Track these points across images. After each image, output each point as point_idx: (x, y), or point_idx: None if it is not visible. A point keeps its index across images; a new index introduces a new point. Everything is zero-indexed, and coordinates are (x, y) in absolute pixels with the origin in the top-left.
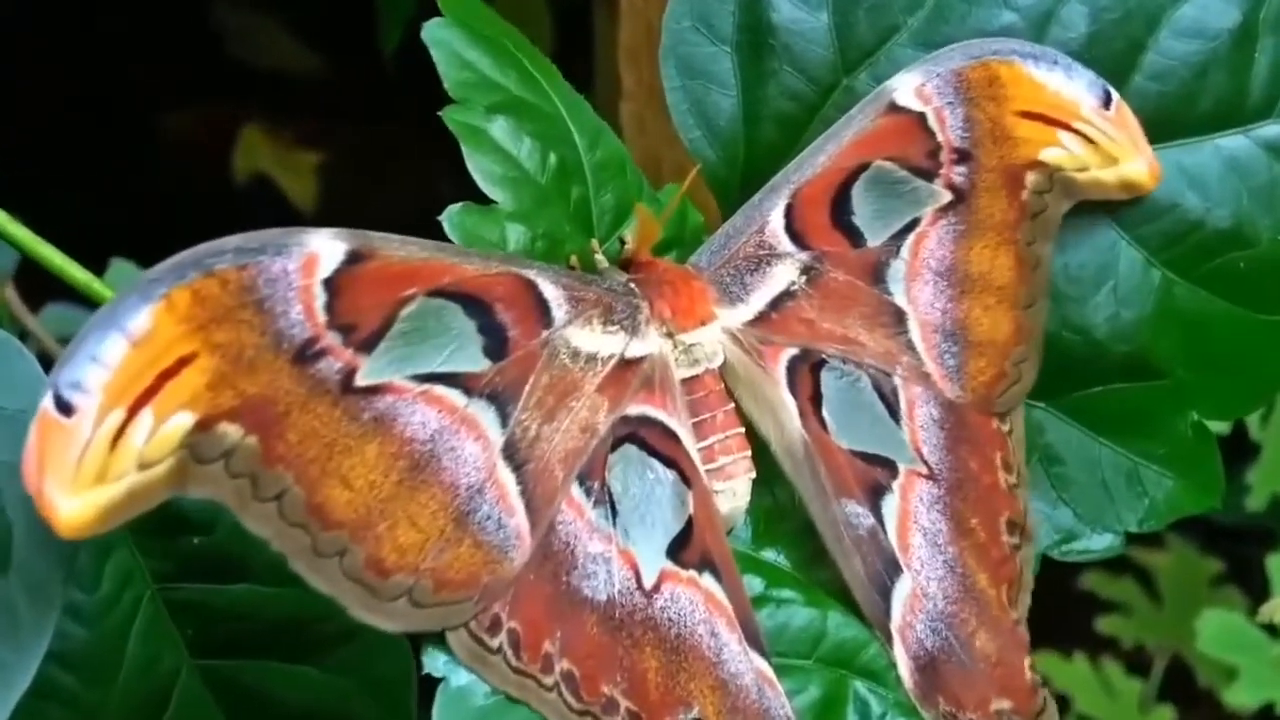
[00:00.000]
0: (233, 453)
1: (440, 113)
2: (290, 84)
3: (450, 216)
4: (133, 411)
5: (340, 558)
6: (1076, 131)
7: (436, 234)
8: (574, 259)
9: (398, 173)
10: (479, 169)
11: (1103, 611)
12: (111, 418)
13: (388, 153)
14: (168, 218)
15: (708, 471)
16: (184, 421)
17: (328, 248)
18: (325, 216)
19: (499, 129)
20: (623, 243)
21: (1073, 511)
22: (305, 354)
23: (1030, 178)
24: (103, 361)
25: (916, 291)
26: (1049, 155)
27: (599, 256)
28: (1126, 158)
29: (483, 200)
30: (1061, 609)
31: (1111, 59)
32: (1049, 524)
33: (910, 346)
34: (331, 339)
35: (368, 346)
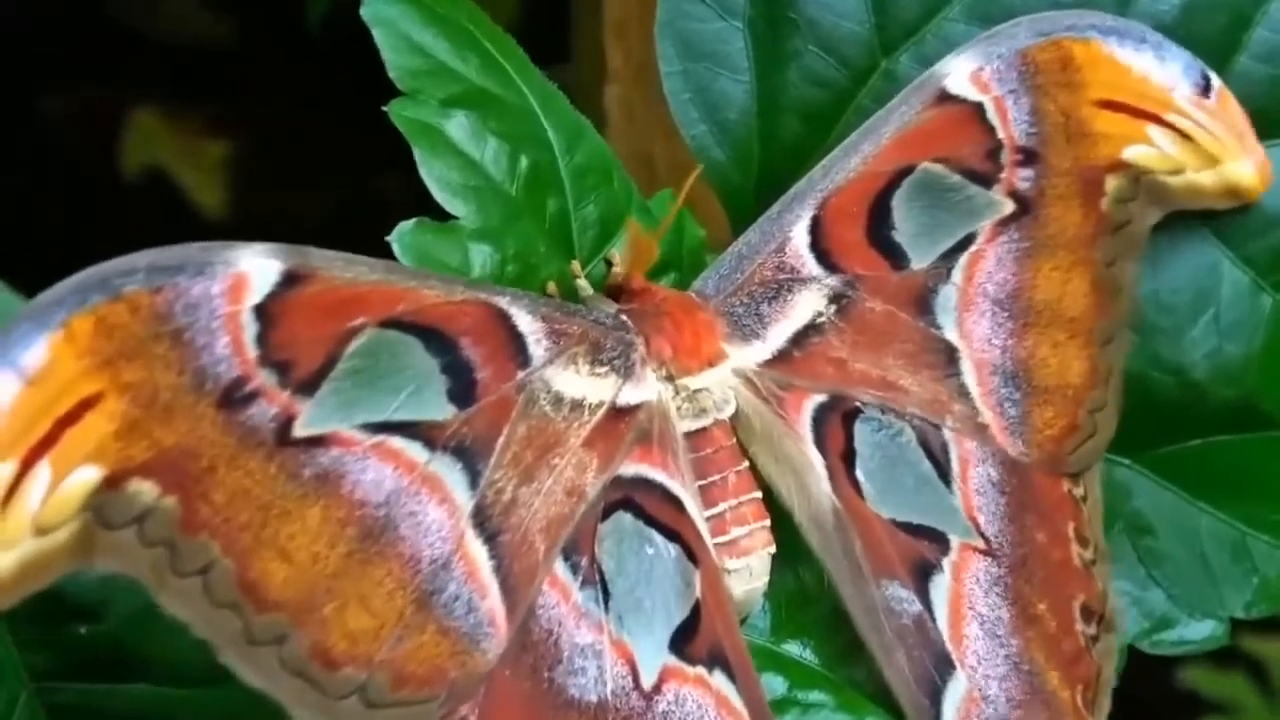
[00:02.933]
0: (147, 517)
1: (386, 108)
2: (193, 59)
3: (401, 236)
4: (26, 465)
5: (278, 646)
6: (1168, 125)
7: (374, 245)
8: (551, 286)
9: (324, 168)
10: (434, 177)
11: (1207, 713)
12: (0, 473)
13: (312, 143)
14: (41, 222)
15: (718, 546)
16: (88, 478)
17: (259, 267)
18: (234, 220)
19: (458, 128)
20: (610, 265)
21: (1166, 593)
22: (233, 397)
23: (1111, 183)
24: None
25: (971, 324)
26: (1134, 154)
27: (581, 282)
28: (1229, 157)
29: (439, 214)
30: (1154, 712)
31: (1212, 35)
32: (1137, 609)
33: (963, 392)
34: (264, 379)
35: (308, 388)
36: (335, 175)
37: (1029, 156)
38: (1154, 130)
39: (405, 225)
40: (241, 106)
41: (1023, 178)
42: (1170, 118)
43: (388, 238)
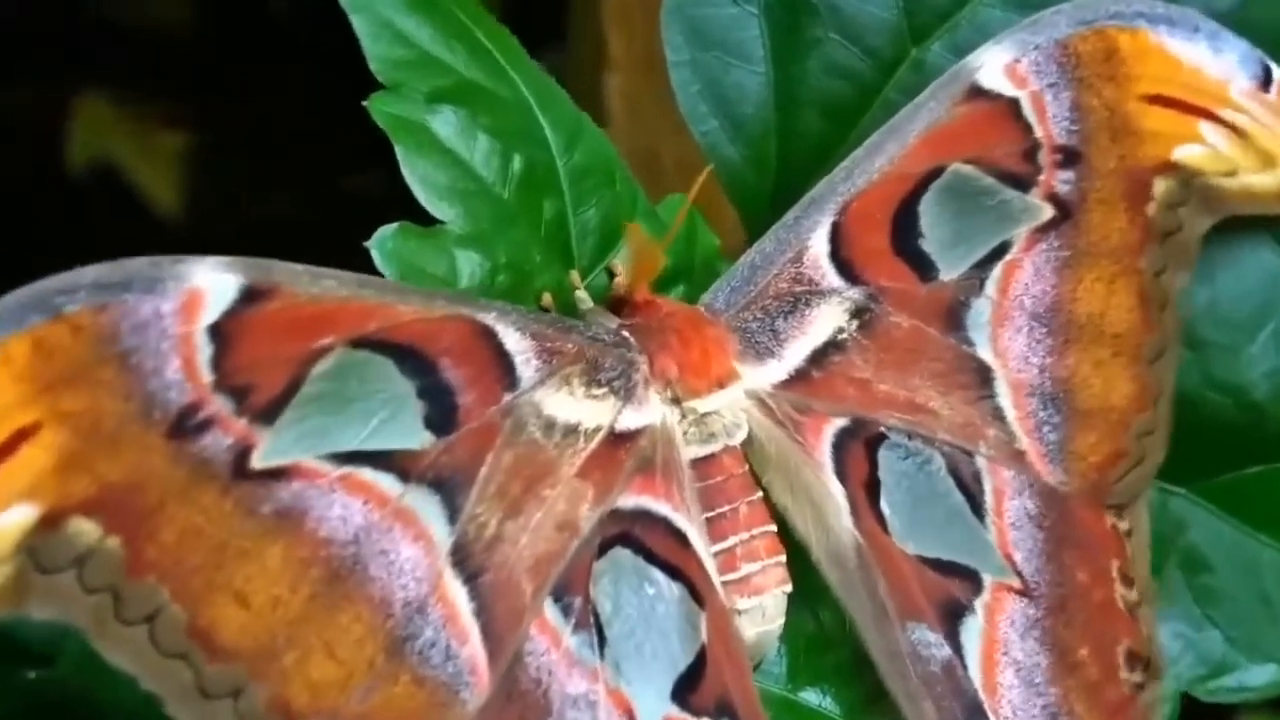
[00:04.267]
0: (88, 559)
1: (366, 102)
2: (148, 43)
3: (381, 243)
4: None
5: (234, 700)
6: (1223, 121)
7: (349, 252)
8: (547, 298)
9: (293, 165)
10: (419, 178)
11: None
12: None
13: (279, 138)
14: None
15: (727, 584)
16: (22, 517)
17: (215, 282)
18: (191, 221)
19: (445, 124)
20: (612, 275)
21: (1223, 635)
22: (185, 426)
23: (1159, 185)
24: None
25: (1006, 341)
26: (1185, 154)
27: (581, 294)
28: None
29: (423, 218)
30: None
31: (1273, 23)
32: (1192, 653)
33: (998, 415)
34: (219, 405)
35: (268, 416)
36: (305, 173)
37: (1069, 157)
38: (1207, 127)
39: (386, 230)
40: (201, 96)
41: (1062, 180)
42: (1225, 114)
43: (366, 244)
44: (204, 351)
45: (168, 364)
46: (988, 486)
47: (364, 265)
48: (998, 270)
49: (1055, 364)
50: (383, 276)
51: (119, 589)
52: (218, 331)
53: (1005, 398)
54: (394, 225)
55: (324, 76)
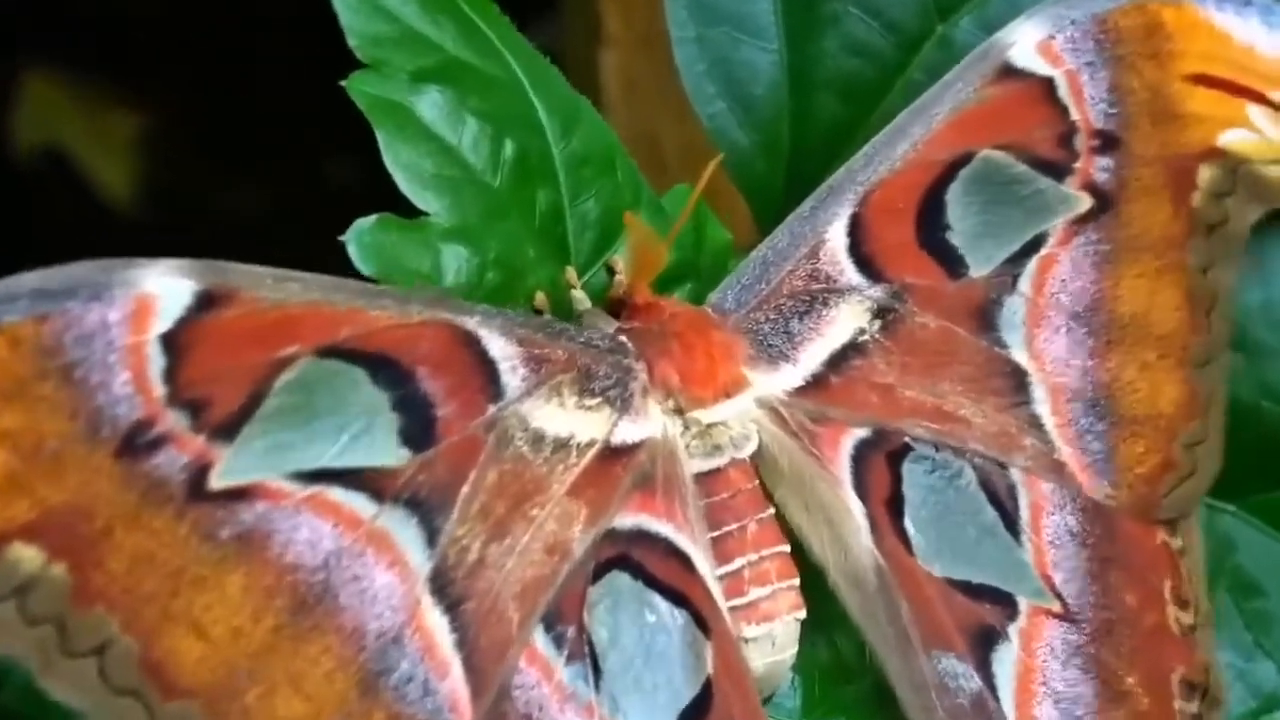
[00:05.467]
0: (30, 588)
1: (345, 82)
2: (101, 17)
3: (359, 236)
4: None
5: None
6: (1274, 105)
7: (325, 248)
8: (540, 297)
9: (260, 150)
10: (402, 165)
11: None
12: None
13: (245, 120)
14: None
15: (734, 610)
16: None
17: (167, 288)
18: (146, 212)
19: (430, 106)
20: (612, 273)
21: (1276, 665)
22: (135, 444)
23: (1204, 174)
24: None
25: (1043, 342)
26: (1231, 140)
27: (577, 294)
28: None
29: (405, 209)
30: None
31: None
32: (1242, 684)
33: (1035, 423)
34: (173, 421)
35: (227, 432)
36: (275, 160)
37: (1108, 142)
38: (1256, 111)
39: (364, 222)
40: (159, 74)
41: (1101, 167)
42: (1277, 96)
43: (342, 237)
44: (156, 363)
45: (115, 377)
46: (1024, 501)
47: (341, 261)
48: (1032, 265)
49: (1097, 367)
50: (359, 273)
51: (64, 620)
52: (171, 341)
53: (1043, 404)
54: (373, 217)
55: (297, 53)
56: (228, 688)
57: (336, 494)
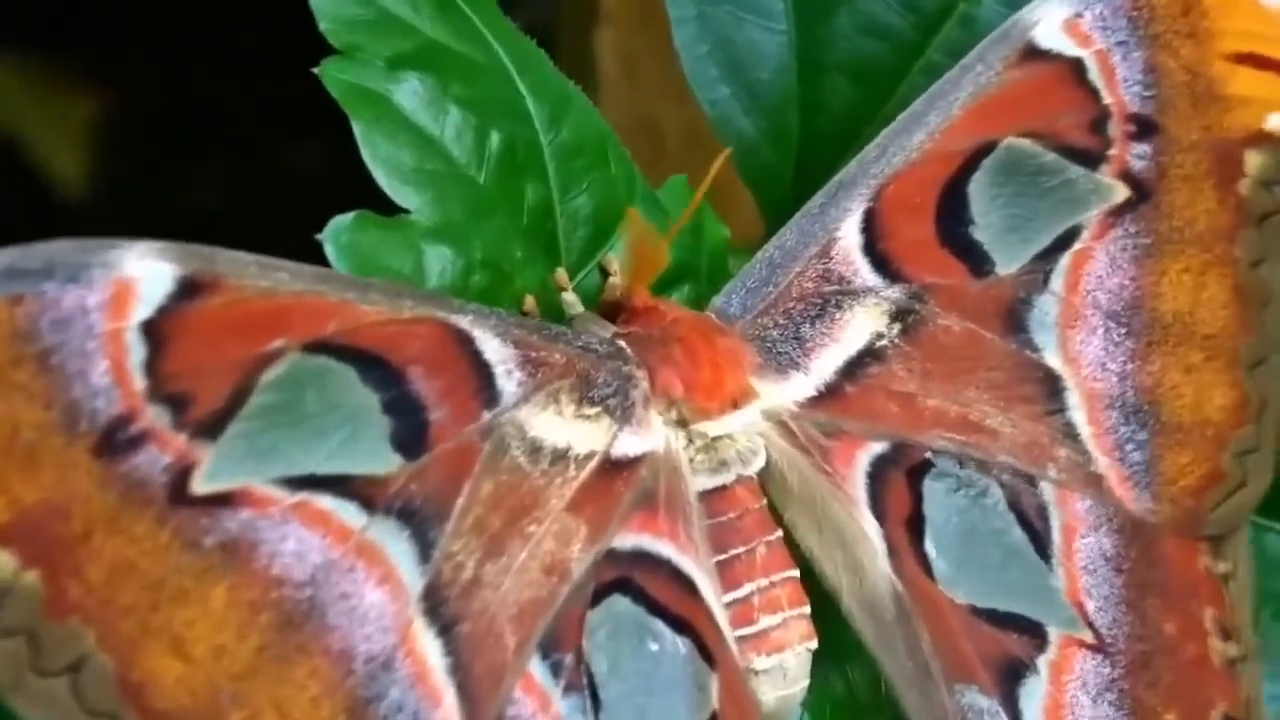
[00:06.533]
0: (1, 597)
1: (318, 70)
2: None
3: (336, 235)
4: None
5: None
6: None
7: (291, 244)
8: (530, 300)
9: (225, 136)
10: (380, 159)
11: None
12: None
13: (209, 103)
14: None
15: (741, 640)
16: None
17: (149, 272)
18: (102, 201)
19: (409, 95)
20: (606, 274)
21: None
22: (115, 440)
23: (1251, 159)
24: None
25: (1078, 344)
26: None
27: (569, 296)
28: None
29: (384, 205)
30: None
31: None
32: None
33: (1070, 433)
34: (154, 417)
35: (211, 430)
36: (239, 149)
37: (1145, 127)
38: None
39: (341, 221)
40: (116, 54)
41: (1138, 154)
42: None
43: (318, 236)
44: (136, 353)
45: (94, 366)
46: (1055, 521)
47: (309, 259)
48: (1065, 261)
49: (1138, 370)
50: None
51: (37, 633)
52: (152, 329)
53: (1078, 411)
54: (350, 215)
55: (264, 37)
56: (209, 711)
57: (325, 502)
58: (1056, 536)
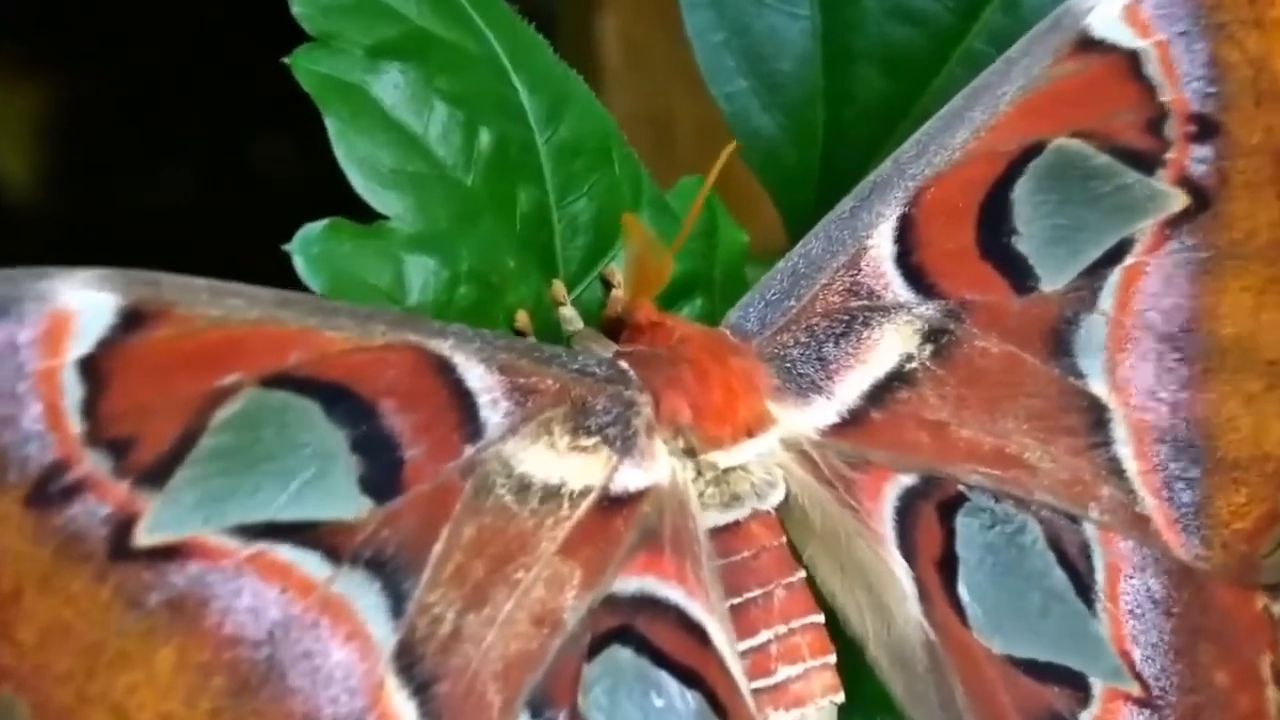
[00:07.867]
0: None
1: (288, 59)
2: None
3: (306, 245)
4: None
5: None
6: None
7: (258, 251)
8: (523, 317)
9: (183, 133)
10: (356, 159)
11: None
12: None
13: (169, 97)
14: None
15: (758, 692)
16: None
17: (87, 304)
18: (50, 205)
19: (390, 87)
20: (609, 286)
21: None
22: (48, 490)
23: None
24: None
25: (1128, 370)
26: None
27: (567, 311)
28: None
29: (361, 211)
30: None
31: None
32: None
33: (1115, 469)
34: (93, 464)
35: (156, 477)
36: (201, 145)
37: (1207, 127)
38: None
39: (312, 229)
40: (66, 43)
41: (1198, 158)
42: None
43: (286, 246)
44: (73, 393)
45: (25, 410)
46: (1099, 563)
47: (278, 269)
48: (1115, 278)
49: (1192, 400)
50: (305, 287)
51: None
52: (91, 367)
53: (1125, 445)
54: (322, 222)
55: (229, 23)
56: None
57: (285, 553)
58: (1100, 578)
